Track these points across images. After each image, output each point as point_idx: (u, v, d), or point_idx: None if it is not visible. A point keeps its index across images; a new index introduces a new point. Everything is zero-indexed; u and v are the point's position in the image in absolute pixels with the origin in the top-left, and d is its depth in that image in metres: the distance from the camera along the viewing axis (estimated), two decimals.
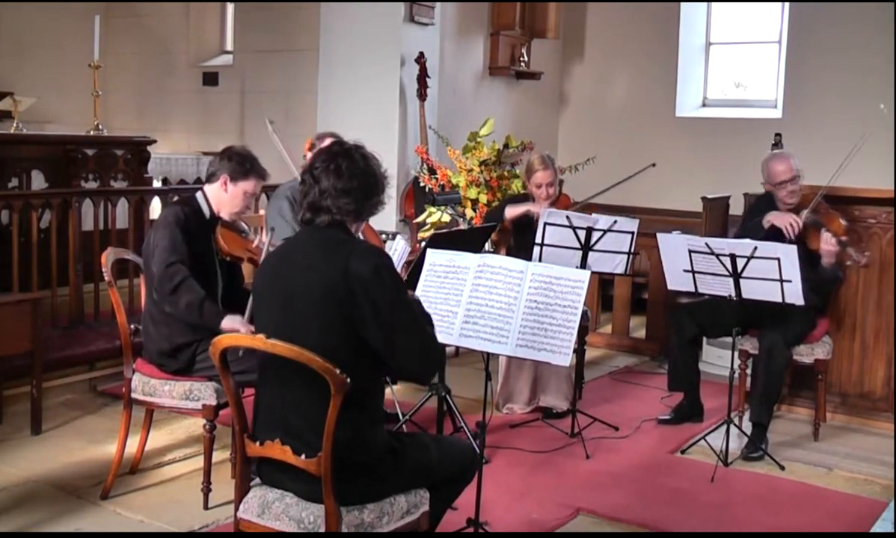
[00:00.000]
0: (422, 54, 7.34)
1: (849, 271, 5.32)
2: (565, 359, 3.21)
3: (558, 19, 8.88)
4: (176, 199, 3.97)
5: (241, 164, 3.92)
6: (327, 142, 4.79)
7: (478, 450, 3.32)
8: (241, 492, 2.85)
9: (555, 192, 5.27)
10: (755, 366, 4.92)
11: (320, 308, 2.66)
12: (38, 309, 4.79)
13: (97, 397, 5.41)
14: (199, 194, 3.98)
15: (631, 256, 4.89)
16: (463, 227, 6.18)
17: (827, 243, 4.69)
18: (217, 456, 4.09)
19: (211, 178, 3.96)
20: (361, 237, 4.57)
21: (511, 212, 5.27)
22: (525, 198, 5.48)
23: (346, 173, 2.76)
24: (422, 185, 7.14)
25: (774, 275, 4.40)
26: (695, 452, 4.80)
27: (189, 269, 3.78)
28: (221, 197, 3.94)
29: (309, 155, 4.86)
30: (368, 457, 2.73)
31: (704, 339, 6.22)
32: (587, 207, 5.30)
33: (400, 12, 7.30)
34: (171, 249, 3.77)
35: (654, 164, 5.37)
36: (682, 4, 9.00)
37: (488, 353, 3.35)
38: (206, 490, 3.93)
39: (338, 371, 2.55)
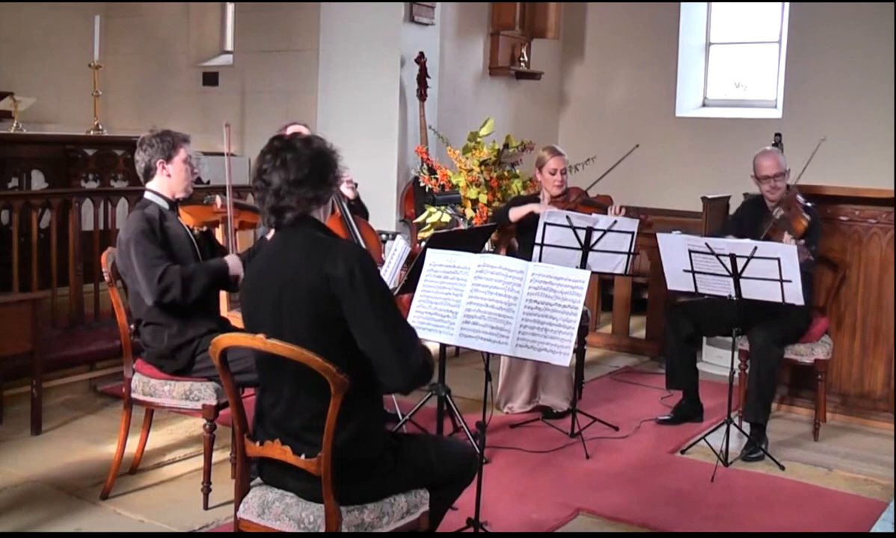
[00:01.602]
0: (422, 54, 7.34)
1: (848, 271, 5.33)
2: (565, 359, 3.21)
3: (558, 19, 8.88)
4: (139, 203, 4.00)
5: (163, 142, 3.95)
6: (290, 132, 4.79)
7: (478, 450, 3.32)
8: (241, 492, 2.85)
9: (567, 180, 5.34)
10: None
11: (308, 311, 2.64)
12: (38, 309, 4.79)
13: (97, 397, 5.41)
14: (147, 194, 3.99)
15: (631, 256, 4.89)
16: (463, 227, 6.18)
17: (786, 243, 4.68)
18: (217, 456, 4.09)
19: (148, 173, 3.97)
20: (356, 230, 4.56)
21: (516, 213, 5.33)
22: (529, 199, 5.49)
23: (294, 165, 2.71)
24: (422, 185, 7.14)
25: (774, 276, 4.41)
26: (695, 452, 4.80)
27: (174, 260, 3.85)
28: (168, 182, 3.97)
29: None
30: (369, 456, 2.72)
31: (704, 339, 6.23)
32: (596, 206, 5.29)
33: (400, 12, 7.30)
34: (149, 257, 3.78)
35: (637, 146, 5.42)
36: (682, 4, 9.00)
37: (488, 353, 3.34)
38: (206, 490, 3.93)
39: (337, 370, 2.55)
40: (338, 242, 2.75)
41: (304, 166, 2.72)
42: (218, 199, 4.18)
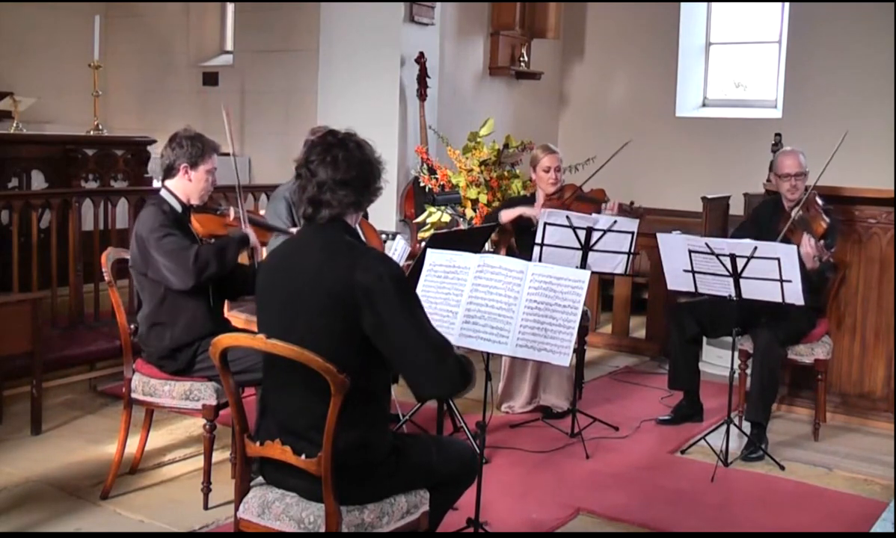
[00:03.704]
0: (422, 54, 7.34)
1: (848, 271, 5.33)
2: (565, 359, 3.21)
3: (558, 19, 8.88)
4: (154, 198, 3.97)
5: (194, 146, 3.91)
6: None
7: (478, 451, 3.32)
8: (241, 492, 2.85)
9: (561, 178, 5.35)
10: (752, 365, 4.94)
11: (324, 312, 2.64)
12: (38, 309, 4.79)
13: (97, 397, 5.41)
14: (163, 193, 3.96)
15: (631, 256, 4.89)
16: (463, 227, 6.18)
17: (805, 246, 4.69)
18: (217, 456, 4.09)
19: (170, 171, 3.94)
20: (360, 232, 4.56)
21: (506, 215, 5.37)
22: (526, 199, 5.50)
23: (343, 164, 2.70)
24: (422, 185, 7.13)
25: (774, 276, 4.41)
26: (695, 452, 4.80)
27: None
28: (187, 186, 3.94)
29: None
30: (373, 458, 2.72)
31: (704, 339, 6.23)
32: (590, 202, 5.29)
33: (400, 12, 7.30)
34: (178, 243, 3.78)
35: (628, 142, 5.41)
36: (682, 4, 9.01)
37: (488, 353, 3.35)
38: (206, 490, 3.93)
39: (337, 371, 2.55)
40: (369, 250, 2.75)
41: (352, 168, 2.72)
42: (231, 211, 4.12)
